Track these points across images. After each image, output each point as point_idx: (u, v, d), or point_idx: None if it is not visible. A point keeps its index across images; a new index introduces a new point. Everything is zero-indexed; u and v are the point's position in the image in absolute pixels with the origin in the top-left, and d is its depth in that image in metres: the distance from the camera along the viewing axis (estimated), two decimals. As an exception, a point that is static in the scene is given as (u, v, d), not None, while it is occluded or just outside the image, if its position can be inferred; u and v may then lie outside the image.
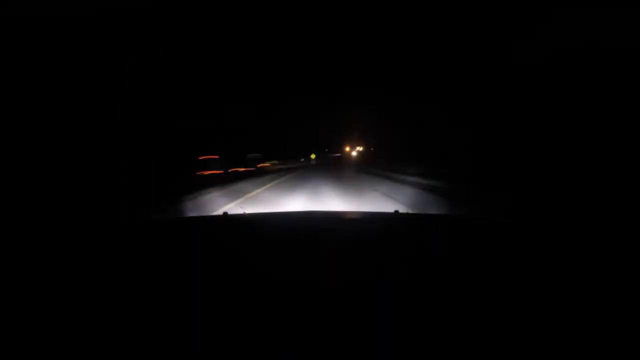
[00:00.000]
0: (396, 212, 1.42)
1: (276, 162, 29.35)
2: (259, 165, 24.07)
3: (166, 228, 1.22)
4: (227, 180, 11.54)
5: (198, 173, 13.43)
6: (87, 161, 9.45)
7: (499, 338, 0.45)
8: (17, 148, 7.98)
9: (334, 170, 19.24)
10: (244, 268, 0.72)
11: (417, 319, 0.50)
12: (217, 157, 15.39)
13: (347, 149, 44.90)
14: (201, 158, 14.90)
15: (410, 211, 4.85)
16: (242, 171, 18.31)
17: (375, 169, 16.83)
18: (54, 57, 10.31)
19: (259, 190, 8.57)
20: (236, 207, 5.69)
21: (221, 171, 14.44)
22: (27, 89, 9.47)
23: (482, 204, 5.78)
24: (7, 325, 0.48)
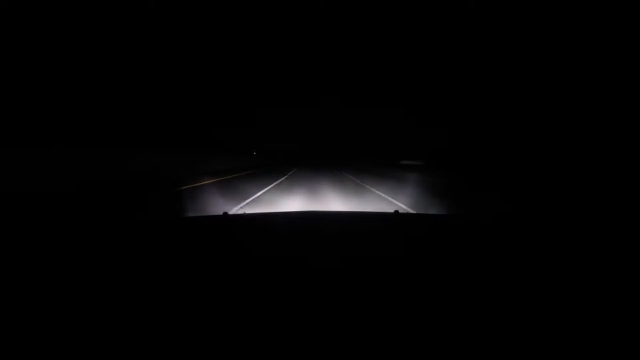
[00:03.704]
0: (396, 212, 1.42)
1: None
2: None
3: (166, 228, 1.22)
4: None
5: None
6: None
7: (494, 336, 0.45)
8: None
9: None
10: (244, 268, 0.72)
11: (417, 318, 0.50)
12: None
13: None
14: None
15: (410, 211, 4.89)
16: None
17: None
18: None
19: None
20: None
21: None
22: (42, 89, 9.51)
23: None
24: (7, 325, 0.48)
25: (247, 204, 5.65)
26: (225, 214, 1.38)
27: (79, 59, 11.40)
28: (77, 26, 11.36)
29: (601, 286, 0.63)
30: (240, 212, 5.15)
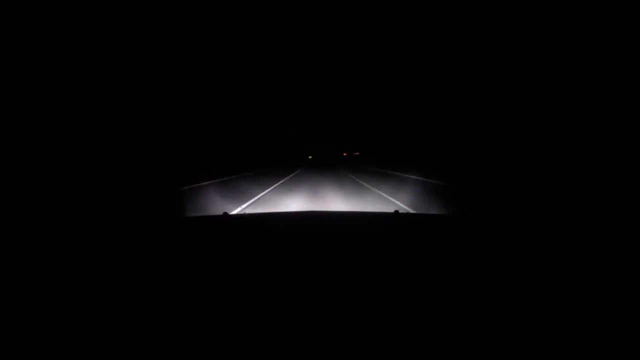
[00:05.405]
0: (396, 212, 1.42)
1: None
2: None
3: (167, 228, 1.22)
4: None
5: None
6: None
7: (494, 336, 0.45)
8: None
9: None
10: (244, 267, 0.73)
11: (417, 318, 0.50)
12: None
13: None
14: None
15: (410, 211, 4.89)
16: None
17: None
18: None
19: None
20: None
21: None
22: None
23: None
24: (7, 325, 0.48)
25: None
26: (226, 213, 1.38)
27: (79, 59, 11.44)
28: (78, 26, 11.41)
29: (601, 286, 0.63)
30: (248, 209, 5.17)
